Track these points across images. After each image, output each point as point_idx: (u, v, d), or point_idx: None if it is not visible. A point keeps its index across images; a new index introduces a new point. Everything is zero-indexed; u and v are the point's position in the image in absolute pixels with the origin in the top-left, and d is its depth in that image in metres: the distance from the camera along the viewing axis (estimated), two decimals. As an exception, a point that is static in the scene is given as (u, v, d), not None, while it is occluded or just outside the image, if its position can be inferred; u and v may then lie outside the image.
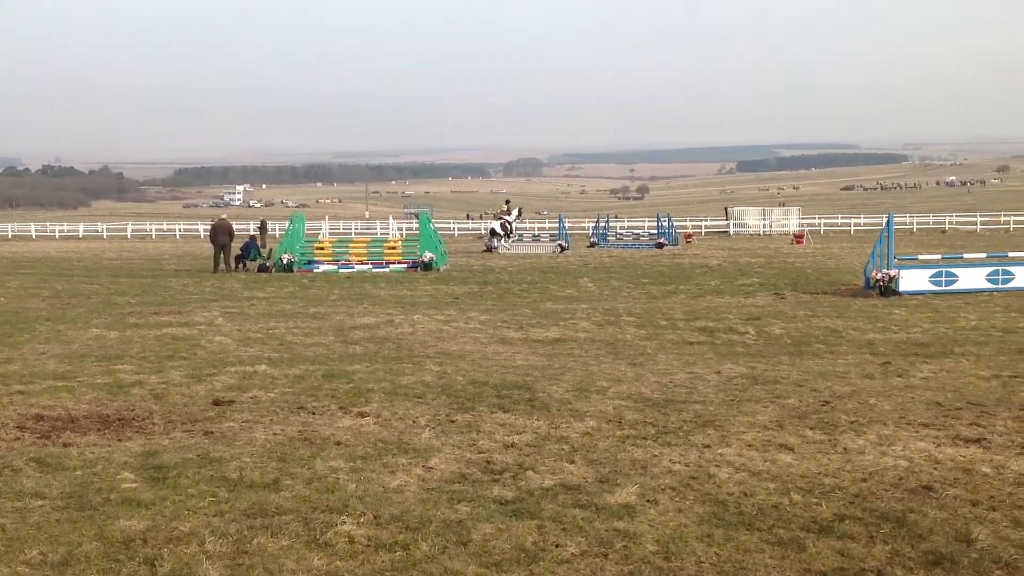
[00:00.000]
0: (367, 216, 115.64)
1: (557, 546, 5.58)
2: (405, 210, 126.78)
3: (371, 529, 5.85)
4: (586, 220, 73.79)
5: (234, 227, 34.64)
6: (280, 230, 48.49)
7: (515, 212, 46.97)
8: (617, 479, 6.91)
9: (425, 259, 30.76)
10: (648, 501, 6.40)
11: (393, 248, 33.24)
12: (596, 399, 9.85)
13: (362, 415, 9.12)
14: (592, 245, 49.84)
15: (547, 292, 23.76)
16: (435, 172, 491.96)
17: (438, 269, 30.79)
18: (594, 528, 5.88)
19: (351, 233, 69.69)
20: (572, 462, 7.41)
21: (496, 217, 47.73)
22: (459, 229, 75.23)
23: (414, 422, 8.84)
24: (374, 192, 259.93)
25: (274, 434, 8.37)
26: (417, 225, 37.77)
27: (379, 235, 61.77)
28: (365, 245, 34.32)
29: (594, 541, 5.66)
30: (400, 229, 65.40)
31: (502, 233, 44.57)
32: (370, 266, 31.32)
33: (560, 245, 44.50)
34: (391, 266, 31.28)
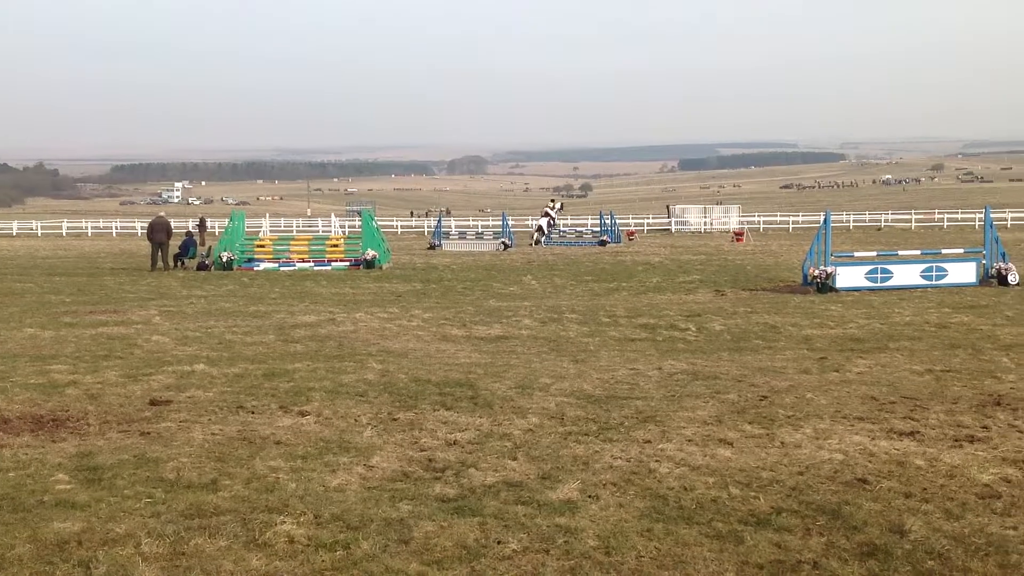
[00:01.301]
0: (309, 214, 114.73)
1: (499, 543, 5.59)
2: (348, 208, 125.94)
3: (311, 529, 5.81)
4: (530, 218, 73.93)
5: (172, 224, 34.14)
6: (220, 227, 47.88)
7: (558, 205, 51.56)
8: (559, 475, 6.94)
9: (368, 257, 30.60)
10: (589, 497, 6.43)
11: (335, 246, 32.99)
12: (539, 396, 9.87)
13: (303, 414, 9.04)
14: (536, 243, 49.98)
15: (490, 290, 23.78)
16: (378, 170, 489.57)
17: (381, 267, 30.65)
18: (536, 524, 5.89)
19: (292, 231, 69.09)
20: (514, 459, 7.42)
21: (544, 214, 51.02)
22: (402, 227, 74.93)
23: (356, 421, 8.79)
24: (316, 189, 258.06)
25: (212, 434, 8.26)
26: (360, 223, 37.54)
27: (321, 233, 61.30)
28: (307, 243, 34.03)
29: (536, 537, 5.68)
30: (342, 227, 64.93)
31: (547, 231, 48.47)
32: (312, 264, 31.07)
33: (504, 243, 44.61)
34: (333, 264, 31.06)
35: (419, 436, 8.18)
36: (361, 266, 30.45)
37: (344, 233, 51.33)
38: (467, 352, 13.28)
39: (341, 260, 31.38)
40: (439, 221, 54.88)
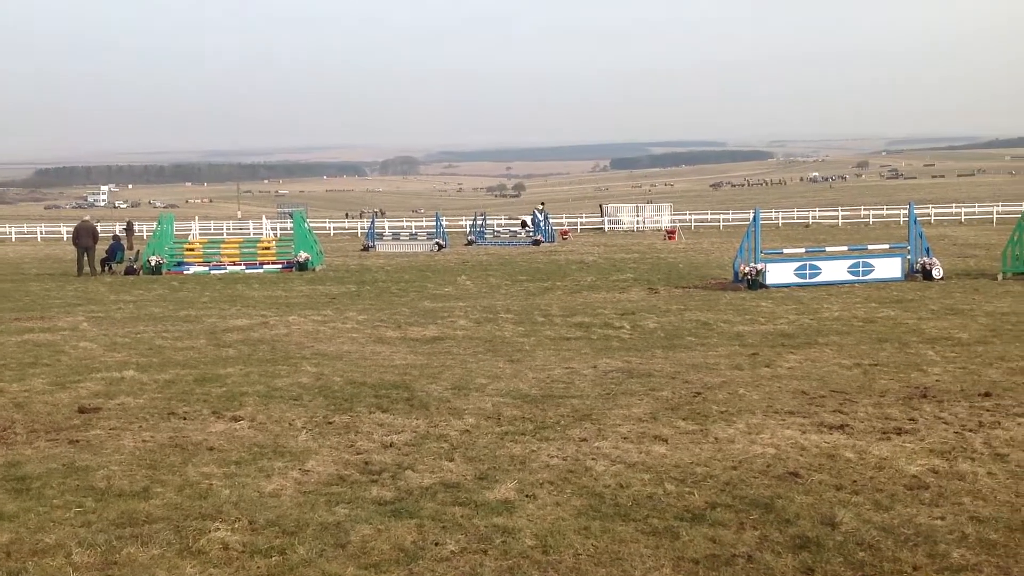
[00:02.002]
0: (239, 216, 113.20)
1: (436, 544, 5.57)
2: (279, 209, 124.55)
3: (246, 535, 5.73)
4: (463, 218, 73.85)
5: (98, 229, 33.44)
6: (148, 231, 47.06)
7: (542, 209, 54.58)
8: (496, 475, 6.94)
9: (300, 259, 30.32)
10: (527, 496, 6.45)
11: (267, 248, 32.63)
12: (475, 396, 9.87)
13: (236, 419, 8.92)
14: (470, 243, 49.97)
15: (425, 291, 23.71)
16: (309, 171, 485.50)
17: (314, 269, 30.38)
18: (473, 525, 5.89)
19: (223, 234, 68.10)
20: (451, 460, 7.41)
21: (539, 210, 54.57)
22: (335, 229, 74.31)
23: (290, 425, 8.69)
24: (246, 191, 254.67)
25: (143, 441, 8.11)
26: (291, 225, 37.15)
27: (252, 235, 60.54)
28: (238, 246, 33.60)
29: (473, 538, 5.68)
30: (274, 229, 64.23)
31: (530, 227, 51.45)
32: (243, 267, 30.69)
33: (438, 243, 44.51)
34: (265, 267, 30.72)
35: (355, 439, 8.13)
36: (294, 268, 30.15)
37: (276, 235, 50.80)
38: (402, 354, 13.22)
39: (273, 263, 31.04)
40: (372, 222, 54.59)
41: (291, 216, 45.74)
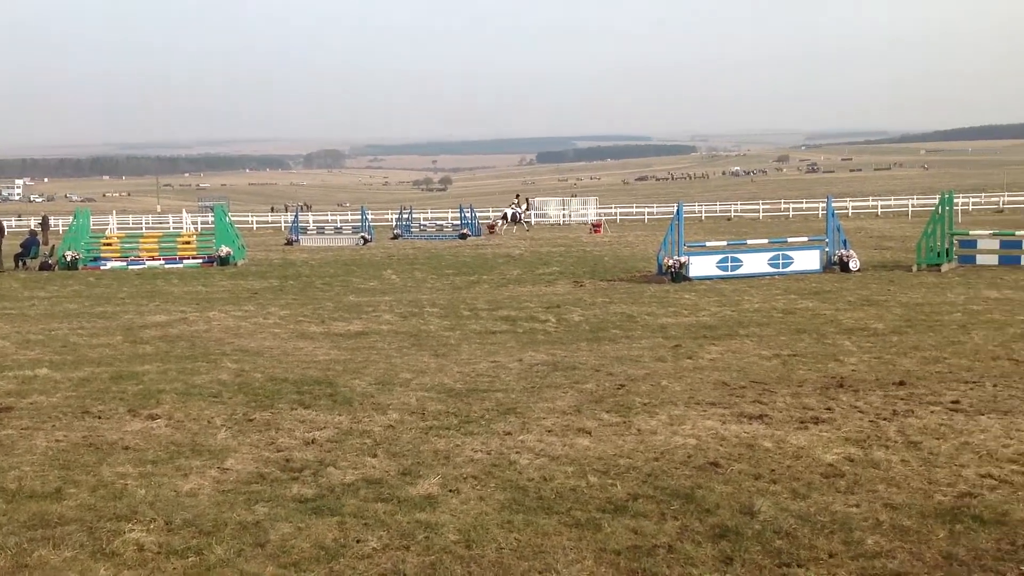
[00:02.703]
0: (159, 210, 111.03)
1: (358, 541, 5.52)
2: (200, 203, 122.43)
3: (162, 535, 5.61)
4: (389, 212, 73.44)
5: (5, 224, 32.48)
6: (64, 226, 45.88)
7: (524, 205, 55.60)
8: (420, 470, 6.91)
9: (222, 253, 29.83)
10: (450, 491, 6.42)
11: (187, 243, 32.02)
12: (399, 391, 9.81)
13: (153, 417, 8.73)
14: (396, 237, 49.69)
15: (350, 285, 23.50)
16: (232, 164, 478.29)
17: (236, 264, 29.91)
18: (396, 521, 5.85)
19: (142, 228, 66.69)
20: (374, 456, 7.35)
21: (511, 206, 55.48)
22: (258, 223, 73.32)
23: (209, 422, 8.54)
24: (166, 185, 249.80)
25: (56, 440, 7.90)
26: (213, 219, 36.53)
27: (172, 230, 59.40)
28: (157, 240, 32.90)
29: (396, 534, 5.63)
30: (195, 223, 63.09)
31: (509, 219, 52.29)
32: (162, 262, 30.08)
33: (363, 237, 44.18)
34: (185, 261, 30.15)
35: (276, 436, 8.02)
36: (215, 263, 29.66)
37: (197, 229, 49.91)
38: (326, 349, 13.09)
39: (193, 257, 30.49)
40: (296, 216, 53.93)
41: (212, 210, 44.97)
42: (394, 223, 55.77)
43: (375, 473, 6.88)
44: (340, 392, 9.77)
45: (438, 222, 59.21)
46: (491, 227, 54.50)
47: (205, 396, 9.64)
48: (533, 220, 61.96)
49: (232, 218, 35.00)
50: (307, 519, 5.90)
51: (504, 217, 53.62)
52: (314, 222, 65.26)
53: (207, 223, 56.99)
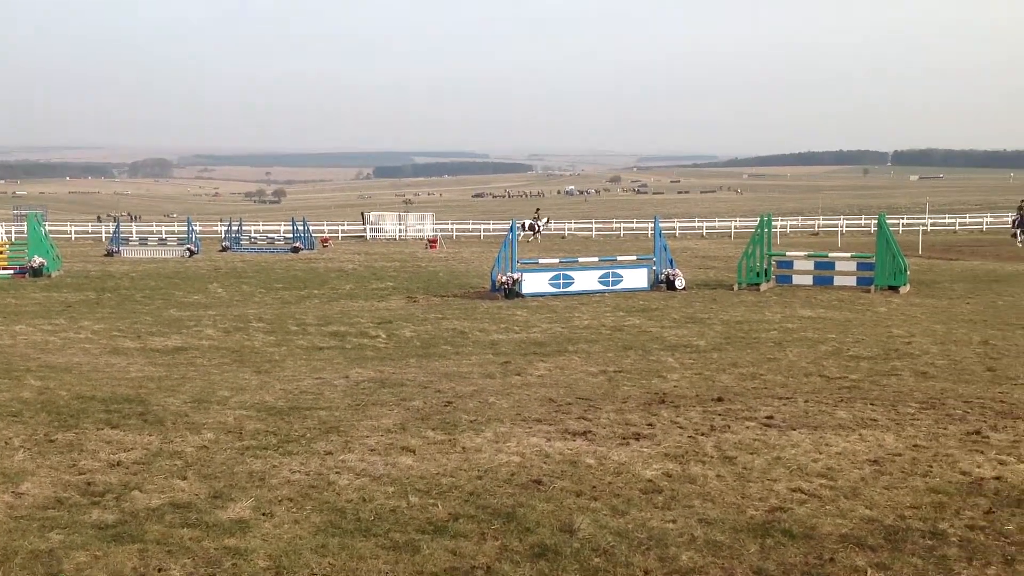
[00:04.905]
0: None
1: (160, 570, 5.19)
2: (15, 211, 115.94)
3: (-61, 570, 5.14)
4: (219, 223, 71.34)
5: None
6: None
7: (544, 219, 59.85)
8: (232, 493, 6.59)
9: (34, 264, 28.24)
10: (263, 514, 6.15)
11: (-2, 252, 30.15)
12: (216, 410, 9.40)
13: (-59, 439, 8.07)
14: (224, 249, 48.28)
15: (172, 299, 22.61)
16: (52, 171, 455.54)
17: (50, 275, 28.36)
18: (202, 547, 5.54)
19: (-51, 236, 62.49)
20: (184, 478, 6.98)
21: (535, 218, 59.76)
22: (77, 233, 69.96)
23: (7, 444, 7.95)
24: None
25: None
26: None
27: (-17, 238, 55.90)
28: (-37, 249, 30.84)
29: (201, 561, 5.33)
30: (8, 232, 59.69)
31: (527, 228, 56.96)
32: (-32, 272, 28.20)
33: (189, 249, 42.75)
34: (-6, 272, 28.36)
35: (79, 458, 7.52)
36: (27, 274, 28.05)
37: (9, 239, 47.20)
38: (140, 365, 12.48)
39: (3, 268, 28.74)
40: (117, 226, 51.61)
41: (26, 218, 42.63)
42: (223, 235, 54.15)
43: (184, 497, 6.53)
44: (152, 411, 9.29)
45: (270, 235, 57.90)
46: (324, 240, 53.71)
47: (4, 415, 8.98)
48: (430, 234, 62.73)
49: (49, 227, 33.18)
50: (106, 547, 5.52)
51: (522, 226, 56.51)
52: (137, 233, 62.71)
53: (21, 232, 53.90)
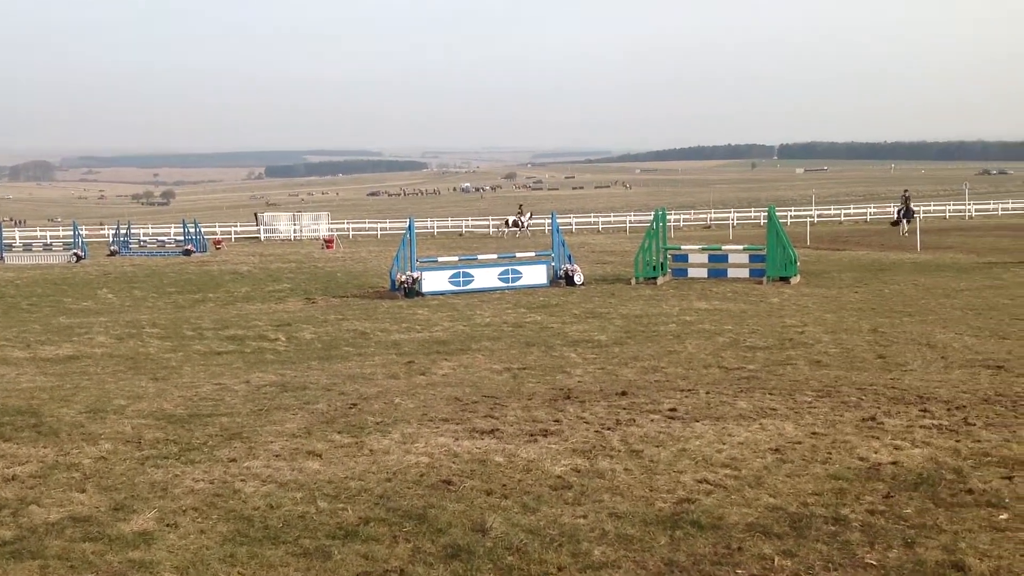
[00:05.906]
0: None
1: (62, 588, 5.03)
2: None
3: None
4: (106, 227, 69.28)
5: None
6: None
7: (527, 215, 60.40)
8: (134, 505, 6.42)
9: (-90, 272, 27.02)
10: (168, 525, 6.01)
11: None
12: (113, 419, 9.14)
13: None
14: (113, 254, 46.92)
15: (61, 305, 21.90)
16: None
17: (-73, 283, 27.16)
18: (106, 562, 5.39)
19: None
20: (83, 491, 6.77)
21: (518, 214, 60.63)
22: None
23: None
24: None
25: None
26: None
27: None
28: None
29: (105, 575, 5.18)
30: None
31: (511, 225, 58.28)
32: None
33: (76, 254, 41.41)
34: None
35: (-32, 475, 7.23)
36: (-98, 283, 26.82)
37: None
38: (30, 375, 12.05)
39: None
40: None
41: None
42: (110, 239, 52.59)
43: (83, 510, 6.33)
44: (45, 422, 8.98)
45: (160, 238, 56.54)
46: (217, 243, 52.65)
47: None
48: (326, 234, 61.60)
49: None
50: (4, 564, 5.33)
51: (506, 223, 59.80)
52: (20, 238, 60.49)
53: None
